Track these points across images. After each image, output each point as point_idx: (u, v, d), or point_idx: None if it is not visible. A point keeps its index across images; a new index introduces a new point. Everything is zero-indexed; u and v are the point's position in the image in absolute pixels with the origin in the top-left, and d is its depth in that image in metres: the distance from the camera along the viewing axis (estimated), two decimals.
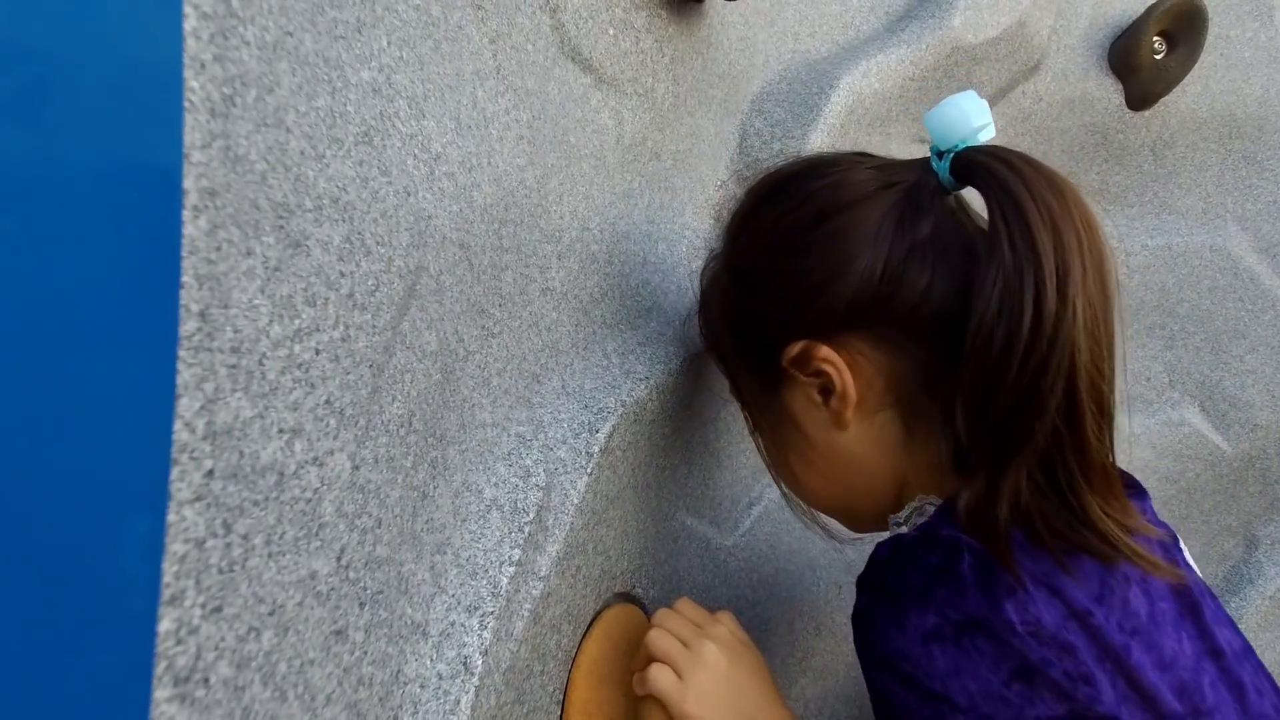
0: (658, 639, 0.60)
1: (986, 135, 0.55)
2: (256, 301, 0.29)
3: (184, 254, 0.24)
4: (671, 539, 0.79)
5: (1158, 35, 1.34)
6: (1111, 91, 1.35)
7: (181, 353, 0.24)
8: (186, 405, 0.25)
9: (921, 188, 0.56)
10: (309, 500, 0.32)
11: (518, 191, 0.63)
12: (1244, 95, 1.42)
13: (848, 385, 0.56)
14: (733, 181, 0.99)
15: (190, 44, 0.25)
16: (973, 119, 0.54)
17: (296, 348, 0.32)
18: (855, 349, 0.56)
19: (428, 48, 0.51)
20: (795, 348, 0.58)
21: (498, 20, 0.59)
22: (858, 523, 0.67)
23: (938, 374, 0.55)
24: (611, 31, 0.73)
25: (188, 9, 0.25)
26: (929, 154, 0.57)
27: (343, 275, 0.37)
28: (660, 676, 0.58)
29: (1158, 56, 1.35)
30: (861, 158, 0.61)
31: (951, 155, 0.55)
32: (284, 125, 0.33)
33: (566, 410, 0.63)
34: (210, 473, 0.26)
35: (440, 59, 0.53)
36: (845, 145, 1.01)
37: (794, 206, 0.59)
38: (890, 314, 0.55)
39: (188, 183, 0.25)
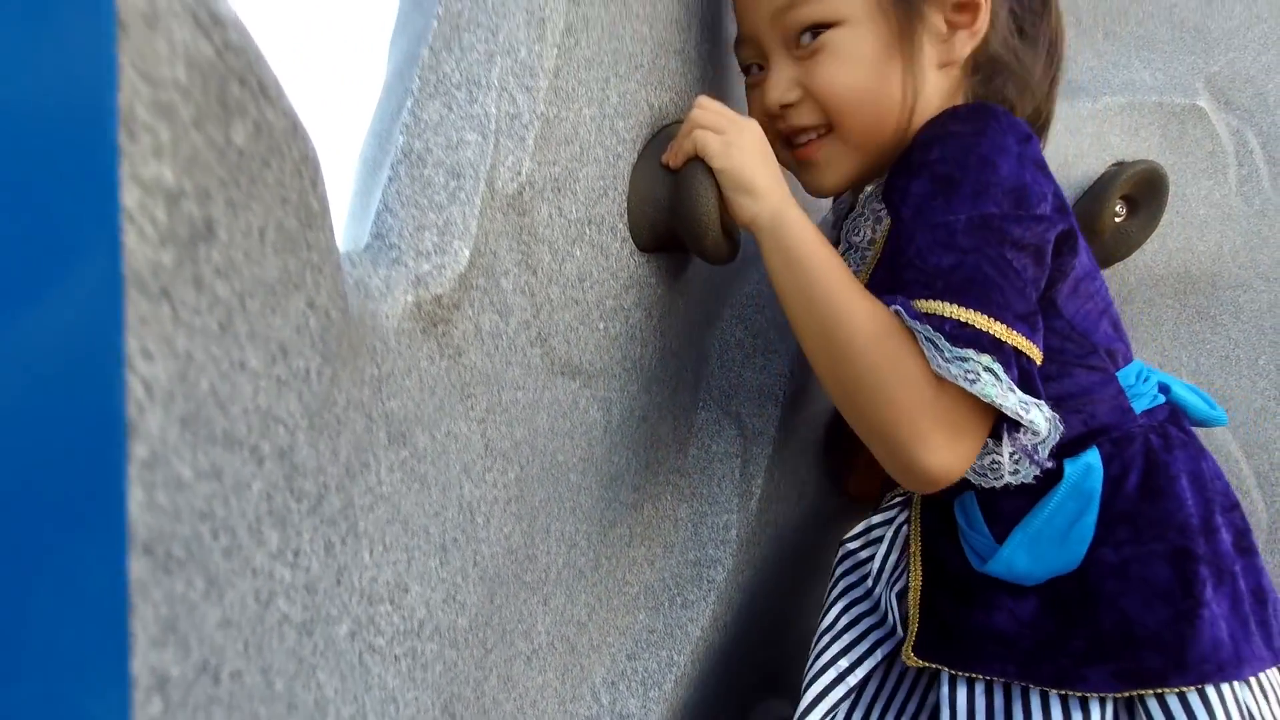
0: (700, 113, 0.62)
1: None
2: None
3: None
4: None
5: (1120, 199, 1.33)
6: None
7: None
8: None
9: None
10: None
11: (504, 567, 0.54)
12: (1198, 252, 1.43)
13: (983, 24, 0.65)
14: (713, 403, 0.92)
15: None
16: None
17: None
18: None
19: (410, 504, 0.42)
20: None
21: (488, 397, 0.50)
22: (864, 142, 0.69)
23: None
24: (602, 325, 0.64)
25: None
26: None
27: None
28: (704, 135, 0.60)
29: (1118, 220, 1.35)
30: None
31: None
32: None
33: None
34: None
35: (428, 495, 0.44)
36: None
37: None
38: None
39: None
